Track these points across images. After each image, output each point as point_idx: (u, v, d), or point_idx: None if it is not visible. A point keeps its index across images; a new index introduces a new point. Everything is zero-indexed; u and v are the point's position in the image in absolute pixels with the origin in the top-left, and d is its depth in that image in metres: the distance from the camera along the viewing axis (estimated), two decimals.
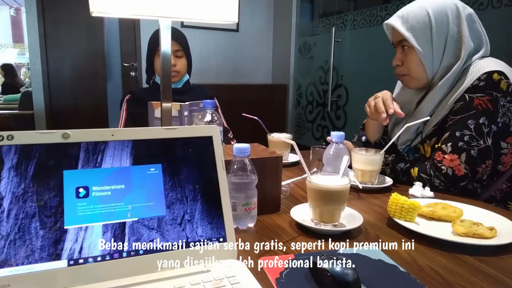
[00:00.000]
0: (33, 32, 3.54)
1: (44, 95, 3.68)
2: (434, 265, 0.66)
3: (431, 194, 1.02)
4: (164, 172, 0.64)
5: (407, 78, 1.20)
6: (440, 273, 0.64)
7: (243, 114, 1.33)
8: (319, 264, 0.58)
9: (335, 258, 0.59)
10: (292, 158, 1.38)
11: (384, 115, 1.13)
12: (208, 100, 1.03)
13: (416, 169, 1.10)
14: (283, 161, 1.33)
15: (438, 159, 1.06)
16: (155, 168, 0.64)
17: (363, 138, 1.33)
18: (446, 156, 1.05)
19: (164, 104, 0.83)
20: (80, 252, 0.57)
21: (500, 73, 1.04)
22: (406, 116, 1.24)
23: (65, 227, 0.57)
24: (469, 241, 0.72)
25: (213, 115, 1.04)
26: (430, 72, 1.15)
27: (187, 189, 0.65)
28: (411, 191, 1.04)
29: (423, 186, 1.05)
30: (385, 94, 1.16)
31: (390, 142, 1.08)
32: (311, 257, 0.62)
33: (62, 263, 0.55)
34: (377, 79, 2.96)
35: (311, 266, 0.61)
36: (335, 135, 0.98)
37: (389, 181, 1.11)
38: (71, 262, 0.56)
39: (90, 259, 0.57)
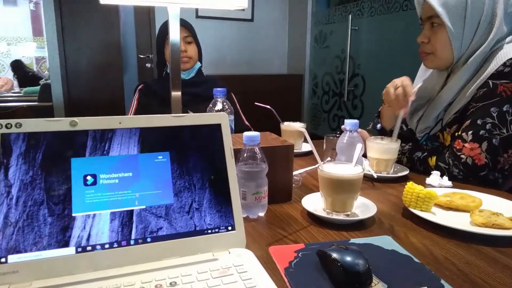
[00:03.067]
0: (51, 25, 3.59)
1: (63, 87, 3.74)
2: (450, 256, 0.64)
3: (449, 183, 0.98)
4: (172, 160, 0.64)
5: (431, 57, 1.13)
6: (456, 264, 0.61)
7: (255, 103, 1.32)
8: (329, 254, 0.56)
9: (345, 247, 0.57)
10: (305, 147, 1.36)
11: (406, 109, 1.10)
12: (218, 89, 1.02)
13: (434, 158, 1.07)
14: (296, 151, 1.32)
15: (457, 147, 1.03)
16: (163, 156, 0.63)
17: (378, 126, 1.29)
18: (466, 144, 1.01)
19: (173, 93, 0.82)
20: (88, 239, 0.57)
21: None
22: (426, 103, 1.20)
23: (73, 215, 0.57)
24: (488, 231, 0.69)
25: (224, 103, 1.03)
26: (457, 53, 1.09)
27: (195, 177, 0.64)
28: (428, 180, 1.01)
29: (441, 176, 1.02)
30: (404, 80, 1.12)
31: (396, 129, 1.06)
32: (322, 247, 0.60)
33: (70, 250, 0.55)
34: (395, 67, 2.89)
35: (321, 255, 0.59)
36: (348, 123, 0.96)
37: (405, 170, 1.08)
38: (79, 249, 0.56)
39: (98, 247, 0.57)
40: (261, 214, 0.80)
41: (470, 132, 1.01)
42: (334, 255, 0.56)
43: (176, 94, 0.83)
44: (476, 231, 0.69)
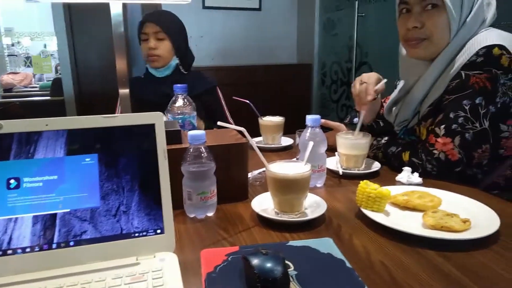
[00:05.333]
0: (59, 20, 3.65)
1: (73, 81, 3.81)
2: (387, 261, 0.61)
3: (419, 180, 0.94)
4: (100, 162, 0.63)
5: (426, 43, 1.02)
6: (390, 270, 0.58)
7: (233, 97, 1.29)
8: (248, 259, 0.54)
9: (265, 252, 0.55)
10: (284, 141, 1.33)
11: (365, 107, 1.07)
12: (178, 85, 1.00)
13: (407, 153, 1.02)
14: (275, 145, 1.29)
15: (430, 142, 0.98)
16: (90, 158, 0.63)
17: (355, 119, 1.25)
18: (439, 139, 0.96)
19: (121, 91, 0.81)
20: (9, 243, 0.57)
21: (501, 47, 0.92)
22: (405, 95, 1.16)
23: None
24: (431, 234, 0.65)
25: (185, 99, 1.01)
26: (453, 37, 1.00)
27: (124, 179, 0.63)
28: (398, 177, 0.97)
29: (415, 171, 0.98)
30: (370, 78, 1.08)
31: (358, 126, 1.03)
32: (253, 250, 0.58)
33: None
34: None
35: (244, 260, 0.57)
36: (310, 119, 0.92)
37: (377, 166, 1.04)
38: (0, 253, 0.56)
39: (19, 250, 0.57)
40: (210, 214, 0.79)
41: (443, 126, 0.96)
42: (252, 260, 0.54)
43: (123, 91, 0.82)
44: (419, 233, 0.65)
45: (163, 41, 1.50)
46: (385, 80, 1.12)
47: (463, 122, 0.93)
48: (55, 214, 0.59)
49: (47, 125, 0.62)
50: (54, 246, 0.58)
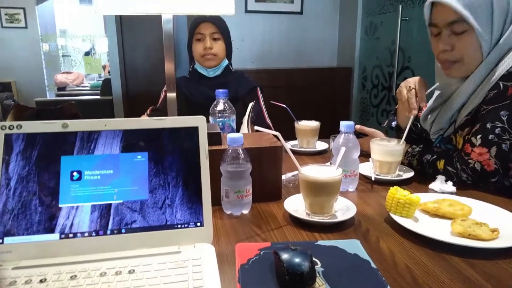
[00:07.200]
0: (111, 23, 3.88)
1: (121, 82, 4.03)
2: (412, 264, 0.64)
3: (453, 189, 0.95)
4: (149, 159, 0.70)
5: (458, 65, 1.04)
6: (413, 273, 0.61)
7: (271, 101, 1.35)
8: (279, 254, 0.59)
9: (294, 248, 0.60)
10: (319, 146, 1.37)
11: (415, 111, 1.08)
12: (220, 90, 1.06)
13: (442, 161, 1.03)
14: (310, 149, 1.33)
15: (466, 151, 0.98)
16: (141, 156, 0.70)
17: (394, 123, 1.26)
18: (475, 149, 0.96)
19: (169, 94, 0.89)
20: (70, 227, 0.65)
21: None
22: (441, 104, 1.16)
23: (59, 205, 0.66)
24: (458, 241, 0.67)
25: (225, 104, 1.07)
26: (486, 56, 1.01)
27: (170, 176, 0.70)
28: (431, 185, 0.98)
29: (449, 180, 0.98)
30: (418, 83, 1.09)
31: (405, 133, 1.02)
32: (283, 246, 0.63)
33: (55, 236, 0.64)
34: None
35: (274, 254, 0.62)
36: (344, 125, 0.96)
37: (410, 173, 1.05)
38: (63, 236, 0.65)
39: (79, 234, 0.65)
40: (245, 211, 0.84)
41: (479, 136, 0.96)
42: (282, 255, 0.59)
43: (171, 96, 0.89)
44: (445, 239, 0.67)
45: (218, 41, 1.57)
46: (437, 84, 1.14)
47: (500, 132, 0.93)
48: (110, 204, 0.67)
49: (105, 125, 0.70)
50: (108, 232, 0.66)
